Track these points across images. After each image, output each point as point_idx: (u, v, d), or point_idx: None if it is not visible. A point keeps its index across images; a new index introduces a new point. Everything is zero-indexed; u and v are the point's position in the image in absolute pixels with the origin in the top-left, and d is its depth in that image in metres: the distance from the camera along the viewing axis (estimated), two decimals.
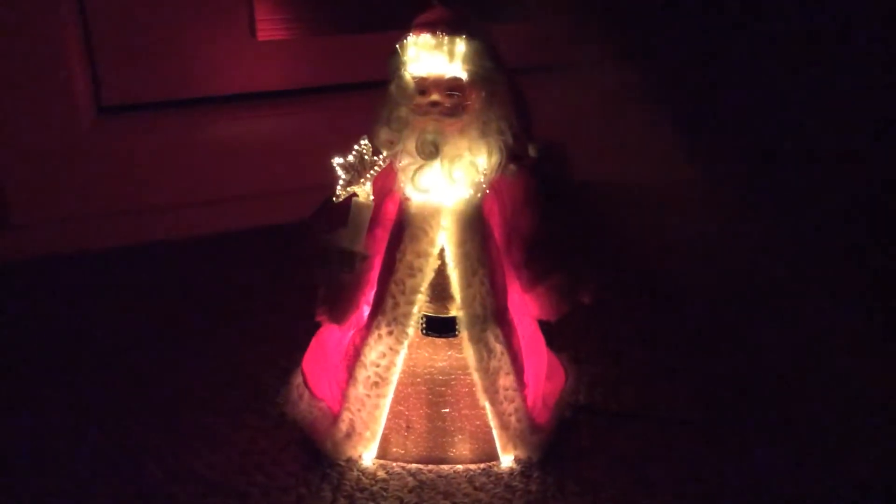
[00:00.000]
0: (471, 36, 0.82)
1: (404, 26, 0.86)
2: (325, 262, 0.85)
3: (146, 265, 1.34)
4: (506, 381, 0.89)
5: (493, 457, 0.93)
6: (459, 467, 0.92)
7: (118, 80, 1.42)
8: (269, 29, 1.46)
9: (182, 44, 1.43)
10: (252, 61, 1.48)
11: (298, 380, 0.99)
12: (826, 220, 1.41)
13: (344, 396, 0.92)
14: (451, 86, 0.83)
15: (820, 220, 1.40)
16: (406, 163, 0.85)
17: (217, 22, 1.44)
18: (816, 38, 1.52)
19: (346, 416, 0.92)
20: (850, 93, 1.52)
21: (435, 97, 0.83)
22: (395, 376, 0.90)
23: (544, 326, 0.96)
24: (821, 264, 1.30)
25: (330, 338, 0.96)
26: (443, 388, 0.91)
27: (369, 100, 0.88)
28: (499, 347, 0.88)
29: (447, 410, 0.91)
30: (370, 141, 0.84)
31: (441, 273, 0.88)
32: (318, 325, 0.96)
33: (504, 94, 0.84)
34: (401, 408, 0.92)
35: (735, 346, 1.14)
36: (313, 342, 0.99)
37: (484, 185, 0.85)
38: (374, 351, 0.89)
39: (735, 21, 1.53)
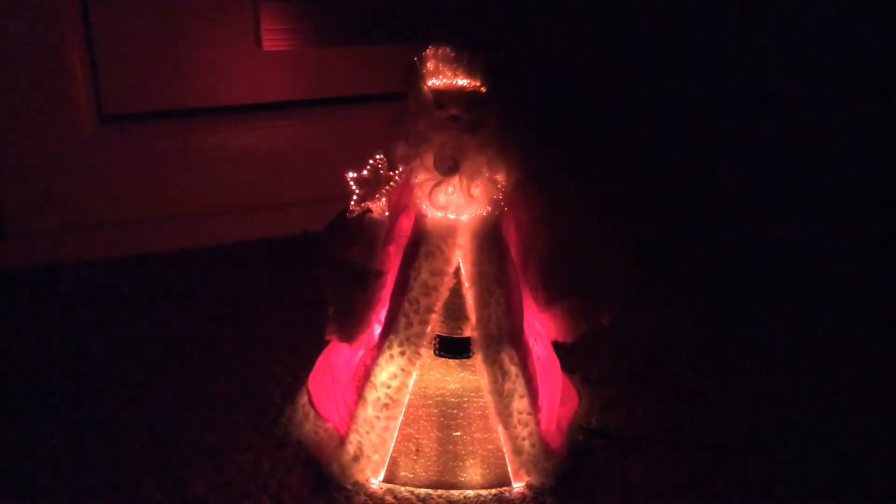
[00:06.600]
0: (491, 49, 0.80)
1: (411, 39, 0.83)
2: (338, 280, 0.83)
3: (146, 276, 1.31)
4: (520, 404, 0.87)
5: (505, 482, 0.90)
6: (470, 493, 0.89)
7: (120, 88, 1.39)
8: (274, 39, 1.44)
9: (186, 53, 1.41)
10: (257, 72, 1.45)
11: (304, 399, 0.96)
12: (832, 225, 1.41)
13: (352, 418, 0.89)
14: (471, 100, 0.80)
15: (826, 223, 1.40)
16: (423, 178, 0.82)
17: (222, 31, 1.42)
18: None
19: (353, 438, 0.89)
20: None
21: (454, 111, 0.81)
22: (405, 398, 0.87)
23: (555, 347, 0.93)
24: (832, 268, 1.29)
25: (337, 357, 0.94)
26: (454, 411, 0.88)
27: (376, 112, 0.85)
28: (514, 370, 0.86)
29: (458, 434, 0.89)
30: (386, 155, 0.82)
31: (456, 292, 0.85)
32: (323, 342, 0.94)
33: (524, 110, 0.82)
34: (410, 430, 0.89)
35: (753, 364, 1.12)
36: (319, 361, 0.97)
37: (502, 203, 0.83)
38: (385, 371, 0.86)
39: None
